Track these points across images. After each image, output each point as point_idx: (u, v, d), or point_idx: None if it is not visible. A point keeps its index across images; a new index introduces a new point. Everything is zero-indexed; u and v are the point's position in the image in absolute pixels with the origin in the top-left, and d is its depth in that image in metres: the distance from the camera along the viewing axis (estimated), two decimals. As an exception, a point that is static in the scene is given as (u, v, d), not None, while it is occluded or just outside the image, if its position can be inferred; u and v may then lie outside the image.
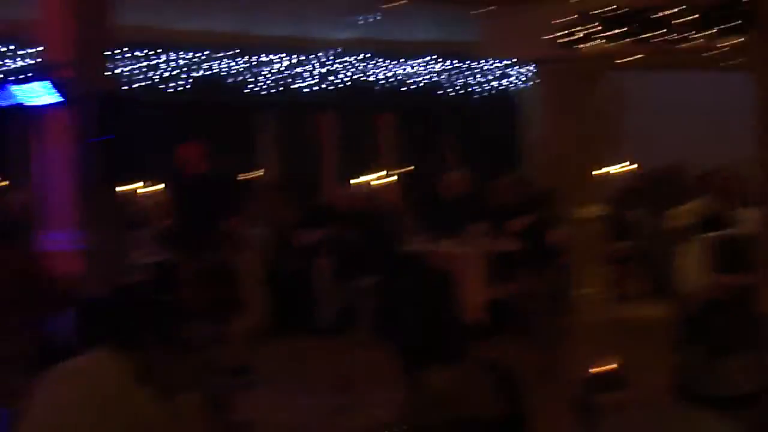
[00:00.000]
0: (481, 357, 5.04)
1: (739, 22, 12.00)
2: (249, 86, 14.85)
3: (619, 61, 14.48)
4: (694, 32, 12.50)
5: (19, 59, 13.24)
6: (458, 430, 4.46)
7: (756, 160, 14.81)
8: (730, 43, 12.32)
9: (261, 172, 15.65)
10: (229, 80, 14.65)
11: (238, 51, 14.69)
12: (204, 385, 4.83)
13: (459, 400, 4.47)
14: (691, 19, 12.49)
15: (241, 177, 14.84)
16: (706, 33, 12.36)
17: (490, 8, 14.38)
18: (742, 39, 12.09)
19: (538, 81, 16.24)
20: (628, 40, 13.17)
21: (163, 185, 12.89)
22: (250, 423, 5.05)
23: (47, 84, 10.63)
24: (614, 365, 6.69)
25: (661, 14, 12.76)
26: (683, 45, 12.59)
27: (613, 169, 16.63)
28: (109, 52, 11.09)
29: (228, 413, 5.17)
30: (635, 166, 17.03)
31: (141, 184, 13.28)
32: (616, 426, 4.02)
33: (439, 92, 16.62)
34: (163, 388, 4.38)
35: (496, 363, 4.98)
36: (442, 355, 4.80)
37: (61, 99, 10.71)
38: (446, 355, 4.85)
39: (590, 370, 7.22)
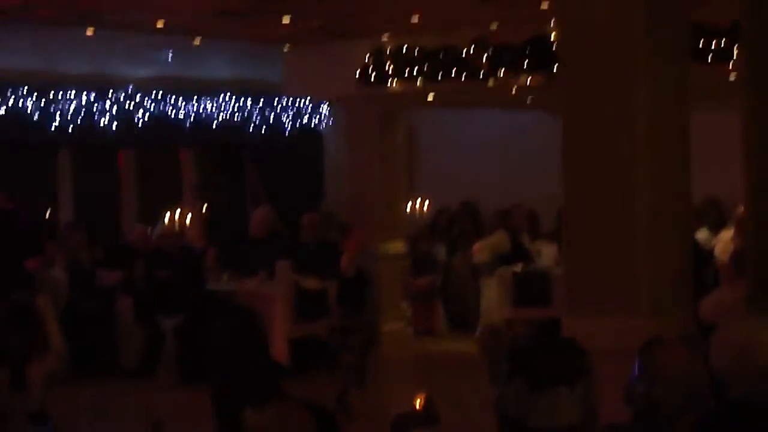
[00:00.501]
0: (295, 397, 5.02)
1: (539, 61, 12.39)
2: (48, 123, 14.53)
3: (419, 100, 14.75)
4: (493, 72, 12.85)
5: None
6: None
7: (549, 197, 15.30)
8: (528, 82, 12.68)
9: (60, 212, 15.31)
10: (28, 117, 14.31)
11: (36, 88, 14.36)
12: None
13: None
14: (490, 59, 12.83)
15: (40, 217, 14.48)
16: (506, 72, 12.72)
17: (290, 48, 14.49)
18: (541, 78, 12.48)
19: (340, 119, 16.41)
20: (421, 80, 13.46)
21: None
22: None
23: None
24: (425, 401, 6.79)
25: (461, 55, 13.08)
26: (482, 84, 12.92)
27: (410, 206, 16.87)
28: None
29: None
30: (427, 204, 17.34)
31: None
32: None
33: (242, 129, 16.59)
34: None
35: (311, 402, 4.99)
36: (255, 396, 4.76)
37: None
38: (260, 395, 4.82)
39: (402, 407, 7.31)
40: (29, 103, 14.35)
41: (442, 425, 6.23)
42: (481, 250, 14.72)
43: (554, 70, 12.29)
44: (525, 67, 12.71)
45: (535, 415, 3.30)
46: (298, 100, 16.65)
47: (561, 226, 14.70)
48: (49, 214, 15.16)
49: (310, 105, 17.19)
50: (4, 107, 14.10)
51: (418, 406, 6.78)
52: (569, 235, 7.29)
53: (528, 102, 15.24)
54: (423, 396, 6.81)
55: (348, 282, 11.33)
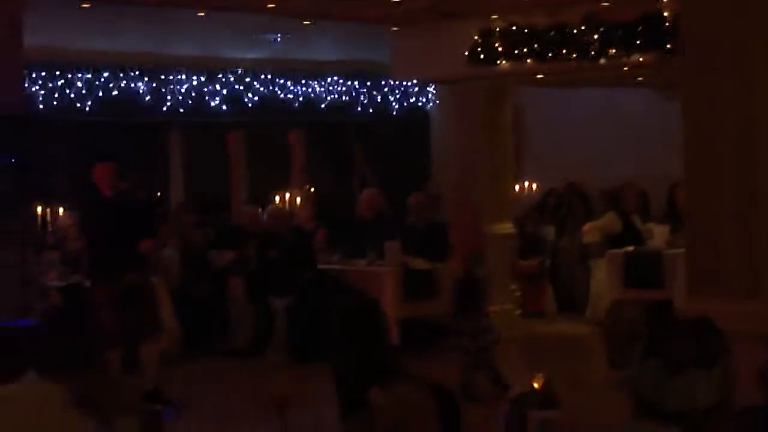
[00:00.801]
0: (420, 378, 5.02)
1: (651, 39, 12.20)
2: (159, 105, 14.73)
3: (527, 79, 14.64)
4: (604, 50, 12.68)
5: None
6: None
7: (658, 177, 15.10)
8: (640, 60, 12.50)
9: (171, 192, 15.51)
10: (139, 100, 14.52)
11: (147, 70, 14.57)
12: (138, 410, 4.73)
13: (405, 421, 4.45)
14: (601, 37, 12.67)
15: (153, 198, 14.69)
16: (618, 51, 12.54)
17: (396, 29, 14.45)
18: (653, 56, 12.29)
19: (446, 99, 16.35)
20: (531, 59, 13.34)
21: (75, 206, 12.72)
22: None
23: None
24: (543, 382, 6.74)
25: (571, 33, 12.92)
26: (593, 63, 12.76)
27: (518, 187, 16.78)
28: (17, 72, 10.92)
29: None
30: (535, 185, 17.19)
31: (53, 205, 13.05)
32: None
33: (350, 110, 16.66)
34: (101, 416, 4.29)
35: (436, 384, 4.99)
36: (381, 375, 4.76)
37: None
38: (385, 375, 4.82)
39: (518, 388, 7.28)
40: (141, 85, 14.56)
41: (561, 406, 6.20)
42: (591, 231, 14.55)
43: (667, 48, 12.13)
44: (637, 45, 12.51)
45: (672, 398, 3.24)
46: (406, 80, 16.63)
47: (672, 207, 14.77)
48: (161, 195, 15.39)
49: (418, 85, 17.17)
50: (117, 89, 14.31)
51: (536, 387, 6.75)
52: (692, 216, 7.16)
53: (639, 81, 15.05)
54: (541, 377, 6.78)
55: (460, 284, 11.16)
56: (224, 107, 15.34)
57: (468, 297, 10.83)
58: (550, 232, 16.42)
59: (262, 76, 15.75)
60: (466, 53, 13.82)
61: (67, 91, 13.87)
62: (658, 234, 14.21)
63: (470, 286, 10.90)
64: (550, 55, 13.21)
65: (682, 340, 3.30)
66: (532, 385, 6.78)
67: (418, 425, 4.59)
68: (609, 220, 14.39)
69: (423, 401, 4.67)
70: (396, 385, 4.71)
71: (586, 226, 14.80)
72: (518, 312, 15.29)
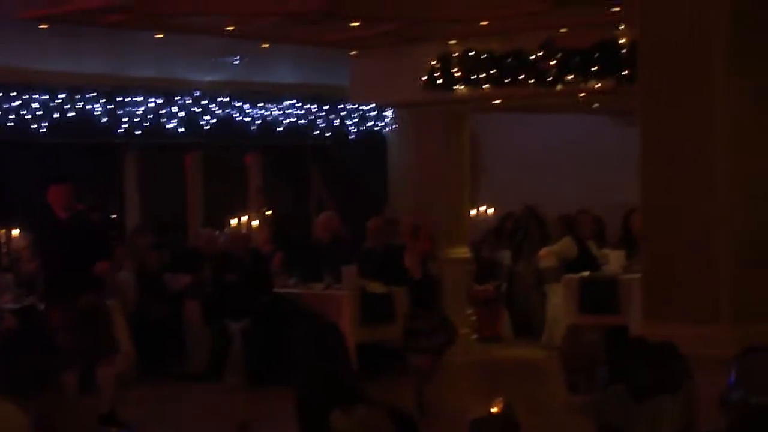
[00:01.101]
0: (379, 401, 5.03)
1: (608, 66, 12.31)
2: (115, 126, 14.66)
3: (485, 104, 14.70)
4: (561, 76, 12.77)
5: None
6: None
7: (612, 204, 15.20)
8: (597, 86, 12.60)
9: (127, 215, 15.43)
10: (95, 121, 14.44)
11: (104, 92, 14.51)
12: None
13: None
14: (558, 64, 12.76)
15: (109, 219, 14.60)
16: (575, 77, 12.64)
17: (354, 53, 14.49)
18: (609, 82, 12.39)
19: (404, 123, 16.39)
20: (488, 84, 13.41)
21: (30, 228, 12.61)
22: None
23: None
24: (503, 405, 6.74)
25: (529, 59, 13.02)
26: (550, 89, 12.85)
27: (474, 212, 16.83)
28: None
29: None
30: (492, 209, 17.25)
31: (7, 226, 12.94)
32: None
33: (307, 133, 16.67)
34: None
35: (395, 407, 5.00)
36: (342, 399, 4.76)
37: None
38: (346, 398, 4.82)
39: (476, 412, 7.26)
40: (97, 106, 14.48)
41: (522, 430, 6.19)
42: (547, 256, 14.63)
43: (623, 75, 12.23)
44: (593, 71, 12.62)
45: (639, 424, 3.26)
46: (364, 104, 16.66)
47: (627, 232, 14.86)
48: (117, 217, 15.29)
49: (375, 109, 17.21)
50: (73, 110, 14.23)
51: (496, 411, 6.75)
52: (648, 239, 7.22)
53: (595, 107, 15.16)
54: (501, 400, 6.78)
55: (418, 284, 11.29)
56: (181, 129, 15.29)
57: (425, 295, 10.94)
58: (506, 256, 16.47)
59: (220, 99, 15.72)
60: (424, 78, 13.87)
61: (23, 112, 13.77)
62: (614, 259, 14.29)
63: (426, 284, 11.02)
64: (507, 80, 13.29)
65: (647, 365, 3.32)
66: (491, 410, 6.79)
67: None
68: (565, 245, 14.47)
69: (383, 424, 4.68)
70: (357, 408, 4.72)
71: (543, 251, 14.88)
72: (474, 336, 15.32)
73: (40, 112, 13.91)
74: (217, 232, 14.43)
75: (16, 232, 13.11)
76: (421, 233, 12.06)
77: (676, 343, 3.41)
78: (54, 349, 4.46)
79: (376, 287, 13.07)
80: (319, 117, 16.82)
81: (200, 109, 15.50)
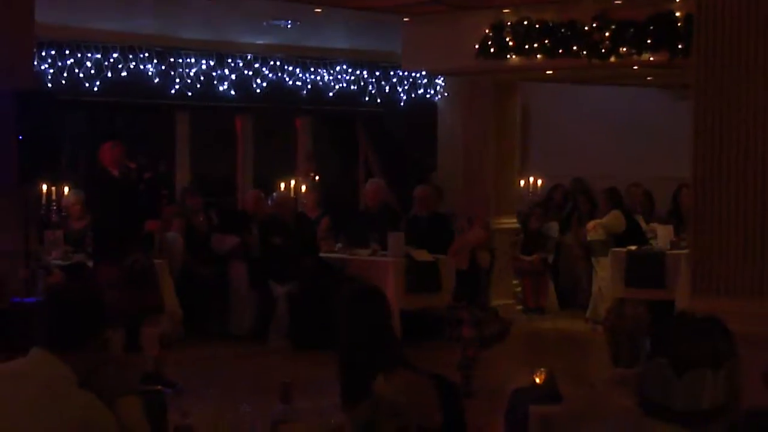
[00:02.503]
0: (419, 366, 5.02)
1: (662, 38, 12.18)
2: (167, 87, 14.73)
3: (536, 74, 14.62)
4: (614, 48, 12.66)
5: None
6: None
7: (662, 177, 15.10)
8: (650, 59, 12.48)
9: (177, 175, 15.50)
10: (148, 81, 14.51)
11: (157, 52, 14.57)
12: (138, 389, 4.74)
13: (407, 411, 4.45)
14: (612, 36, 12.64)
15: (159, 179, 14.66)
16: (628, 49, 12.52)
17: (407, 19, 14.42)
18: (663, 56, 12.27)
19: (455, 91, 16.32)
20: (541, 54, 13.31)
21: (81, 185, 12.72)
22: (190, 427, 4.97)
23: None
24: (546, 377, 6.76)
25: (582, 30, 12.90)
26: (603, 61, 12.74)
27: (523, 182, 16.77)
28: (28, 49, 10.89)
29: (166, 418, 5.09)
30: (540, 180, 17.17)
31: (58, 183, 13.05)
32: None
33: (358, 99, 16.66)
34: (102, 392, 4.30)
35: (437, 374, 4.99)
36: (384, 364, 4.75)
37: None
38: (388, 363, 4.81)
39: (517, 383, 7.29)
40: (150, 67, 14.55)
41: (564, 401, 6.19)
42: (595, 229, 14.57)
43: (678, 48, 12.11)
44: (647, 44, 12.49)
45: (679, 397, 3.23)
46: (415, 71, 16.61)
47: (676, 207, 14.77)
48: (167, 177, 15.38)
49: (426, 77, 17.15)
50: (125, 70, 14.30)
51: (538, 381, 6.76)
52: (696, 213, 7.15)
53: (648, 80, 15.03)
54: (543, 371, 6.79)
55: (463, 274, 11.13)
56: (232, 92, 15.33)
57: (469, 286, 10.82)
58: (553, 228, 16.41)
59: (271, 62, 15.75)
60: (477, 46, 13.80)
61: (76, 70, 13.86)
62: (662, 234, 14.23)
63: (472, 275, 10.89)
64: (560, 51, 13.19)
65: (691, 339, 3.28)
66: (534, 380, 6.80)
67: (420, 415, 4.60)
68: (613, 218, 14.40)
69: (426, 391, 4.67)
70: (399, 373, 4.71)
71: (591, 224, 14.81)
72: (519, 308, 15.30)
73: (93, 71, 14.00)
74: (265, 195, 14.45)
75: (66, 189, 13.24)
76: (476, 221, 11.93)
77: (721, 319, 3.37)
78: (100, 307, 4.47)
79: (423, 255, 13.07)
80: (370, 83, 16.79)
81: (251, 72, 15.54)
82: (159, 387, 8.73)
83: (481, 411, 8.67)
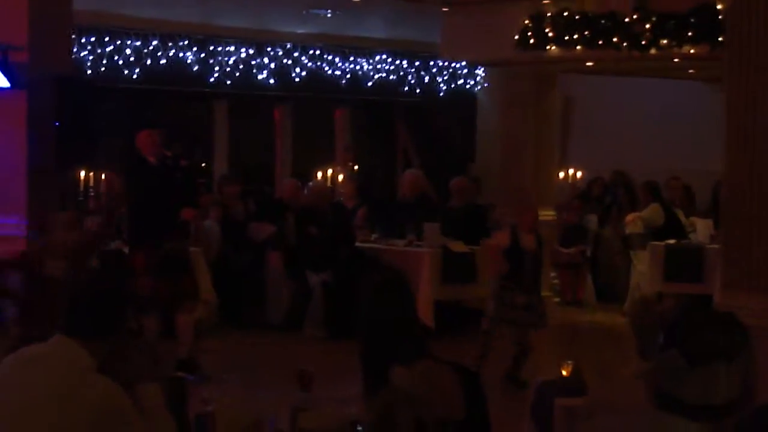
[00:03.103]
0: (441, 357, 4.99)
1: (704, 31, 12.08)
2: (206, 75, 14.78)
3: (576, 65, 14.54)
4: (655, 40, 12.56)
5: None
6: (426, 430, 4.42)
7: (703, 171, 14.97)
8: (691, 51, 12.38)
9: (214, 163, 15.56)
10: (187, 69, 14.56)
11: (196, 40, 14.62)
12: (161, 376, 4.75)
13: (427, 401, 4.44)
14: (653, 27, 12.55)
15: (197, 167, 14.73)
16: (669, 42, 12.42)
17: (446, 9, 14.38)
18: (705, 48, 12.16)
19: (495, 82, 16.27)
20: (581, 46, 13.23)
21: (118, 172, 12.77)
22: (212, 414, 4.97)
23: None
24: (572, 369, 6.71)
25: (623, 22, 12.82)
26: (643, 53, 12.65)
27: (562, 174, 16.68)
28: (67, 36, 10.96)
29: (187, 405, 5.10)
30: (580, 173, 17.08)
31: (96, 170, 13.12)
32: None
33: (397, 89, 16.64)
34: (123, 378, 4.32)
35: (460, 365, 4.96)
36: (404, 354, 4.73)
37: (14, 83, 10.59)
38: (409, 353, 4.79)
39: (547, 375, 7.24)
40: (189, 55, 14.60)
41: (589, 394, 6.16)
42: (634, 222, 14.47)
43: (719, 41, 11.99)
44: (688, 36, 12.39)
45: (692, 390, 3.20)
46: (454, 61, 16.57)
47: (716, 202, 14.63)
48: (205, 166, 15.43)
49: (466, 67, 17.10)
50: (165, 58, 14.36)
51: (564, 374, 6.73)
52: (729, 210, 7.09)
53: (690, 72, 14.90)
54: (570, 364, 6.75)
55: (506, 253, 10.95)
56: (271, 81, 15.36)
57: (513, 265, 10.59)
58: (592, 220, 16.31)
59: (311, 52, 15.75)
60: (516, 37, 13.74)
61: (116, 57, 13.94)
62: (702, 228, 14.11)
63: (515, 254, 10.62)
64: (600, 42, 13.10)
65: (704, 332, 3.25)
66: (561, 372, 6.76)
67: (441, 406, 4.58)
68: (653, 212, 14.30)
69: (448, 382, 4.65)
70: (420, 364, 4.69)
71: (630, 217, 14.71)
72: (556, 300, 15.23)
73: (132, 58, 14.06)
74: (302, 184, 14.45)
75: (104, 175, 13.29)
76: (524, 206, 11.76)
77: (736, 313, 3.33)
78: (125, 295, 4.48)
79: (458, 246, 13.03)
80: (409, 73, 16.76)
81: (291, 61, 15.56)
82: (181, 374, 8.76)
83: (507, 401, 8.64)
